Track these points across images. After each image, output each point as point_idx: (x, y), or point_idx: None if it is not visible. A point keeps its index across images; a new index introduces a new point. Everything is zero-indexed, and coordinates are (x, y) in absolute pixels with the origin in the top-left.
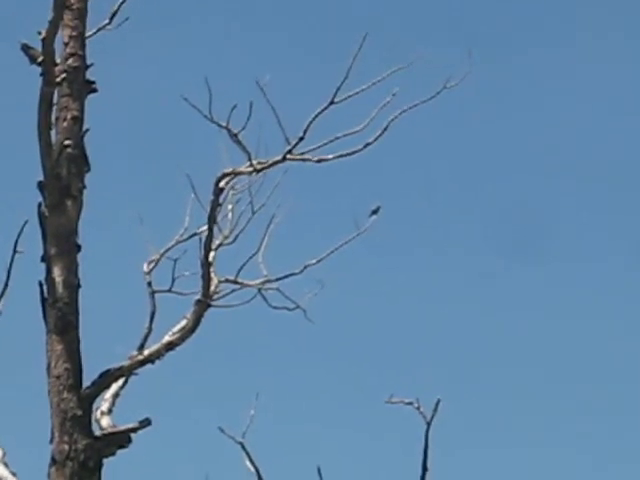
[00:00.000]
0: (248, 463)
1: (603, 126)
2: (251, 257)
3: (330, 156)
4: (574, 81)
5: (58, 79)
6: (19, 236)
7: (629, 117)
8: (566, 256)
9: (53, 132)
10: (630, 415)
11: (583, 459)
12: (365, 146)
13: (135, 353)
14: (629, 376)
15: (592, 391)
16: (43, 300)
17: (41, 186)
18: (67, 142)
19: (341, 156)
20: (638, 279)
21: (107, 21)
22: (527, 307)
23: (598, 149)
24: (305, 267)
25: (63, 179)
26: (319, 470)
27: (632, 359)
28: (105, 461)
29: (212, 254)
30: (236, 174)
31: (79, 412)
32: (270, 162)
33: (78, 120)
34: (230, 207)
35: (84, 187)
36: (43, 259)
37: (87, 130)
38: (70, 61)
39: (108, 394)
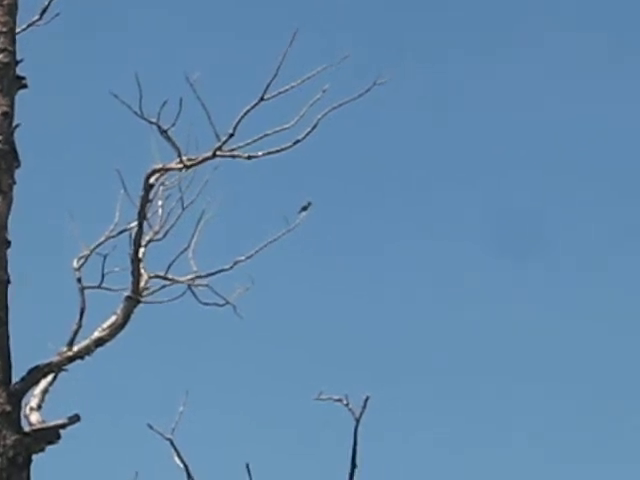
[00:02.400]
0: (177, 459)
1: (584, 122)
2: (181, 253)
3: (260, 153)
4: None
5: None
6: None
7: (626, 115)
8: (553, 255)
9: None
10: (630, 416)
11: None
12: (295, 143)
13: (64, 349)
14: (628, 375)
15: (587, 391)
16: None
17: None
18: None
19: (271, 153)
20: (638, 278)
21: (37, 17)
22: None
23: (585, 144)
24: (235, 263)
25: None
26: (248, 467)
27: (631, 358)
28: (34, 457)
29: (142, 250)
30: (166, 170)
31: (8, 408)
32: (200, 158)
33: (8, 116)
34: (160, 203)
35: (14, 183)
36: None
37: (17, 126)
38: (0, 57)
39: (37, 390)
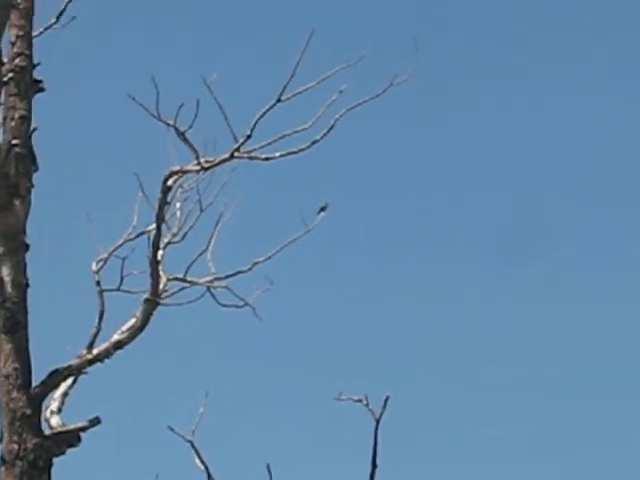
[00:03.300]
0: (198, 461)
1: (591, 120)
2: (200, 255)
3: (277, 154)
4: (540, 78)
5: (5, 78)
6: None
7: (626, 109)
8: (555, 254)
9: (0, 131)
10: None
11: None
12: (312, 144)
13: (84, 352)
14: (628, 373)
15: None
16: None
17: None
18: (15, 141)
19: (288, 154)
20: (638, 276)
21: (54, 20)
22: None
23: (589, 142)
24: (254, 265)
25: (11, 178)
26: (268, 468)
27: (631, 356)
28: (55, 460)
29: (160, 252)
30: (184, 172)
31: (28, 411)
32: (218, 160)
33: (26, 119)
34: (178, 205)
35: (32, 186)
36: None
37: (35, 129)
38: (17, 60)
39: (57, 393)
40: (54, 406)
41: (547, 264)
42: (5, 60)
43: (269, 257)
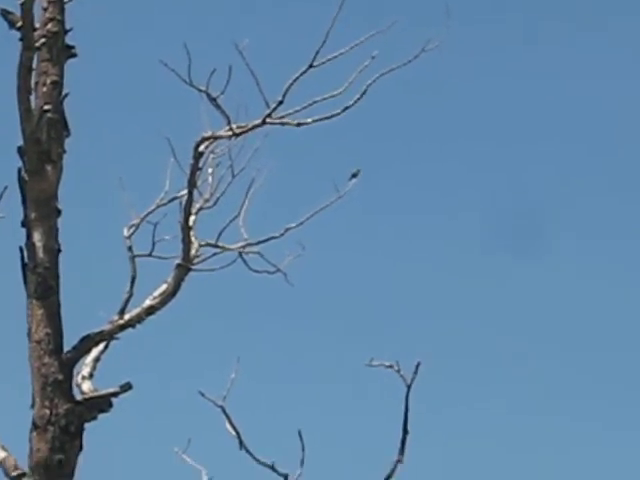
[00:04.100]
0: (229, 426)
1: (602, 110)
2: (231, 221)
3: (309, 120)
4: (571, 53)
5: (37, 44)
6: None
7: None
8: (565, 249)
9: (33, 97)
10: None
11: (569, 426)
12: (344, 109)
13: (116, 317)
14: (629, 373)
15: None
16: (23, 265)
17: (21, 151)
18: (47, 107)
19: (320, 119)
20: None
21: None
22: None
23: (599, 139)
24: (286, 230)
25: (43, 144)
26: (300, 433)
27: (632, 353)
28: (86, 425)
29: (192, 218)
30: (215, 138)
31: (60, 377)
32: (250, 126)
33: (58, 85)
34: (210, 171)
35: (64, 152)
36: (23, 224)
37: (67, 95)
38: (49, 26)
39: (89, 359)
40: (85, 371)
41: (547, 261)
42: (37, 25)
43: (301, 223)
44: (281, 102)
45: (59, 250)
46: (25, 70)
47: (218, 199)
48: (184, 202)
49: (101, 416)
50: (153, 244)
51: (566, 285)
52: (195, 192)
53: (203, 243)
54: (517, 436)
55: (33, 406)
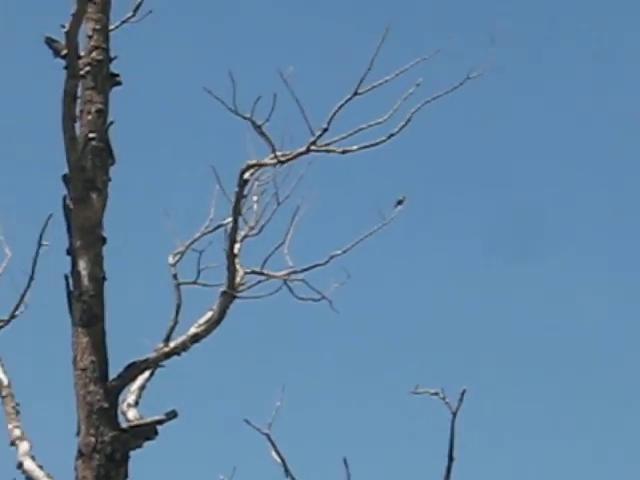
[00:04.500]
0: (274, 454)
1: (605, 124)
2: (277, 248)
3: (354, 147)
4: (598, 78)
5: (82, 72)
6: (44, 229)
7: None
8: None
9: (77, 125)
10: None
11: (612, 451)
12: (389, 137)
13: (161, 345)
14: (629, 371)
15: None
16: (69, 293)
17: (66, 179)
18: (92, 135)
19: (365, 147)
20: (637, 275)
21: (131, 14)
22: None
23: (599, 145)
24: (330, 258)
25: (88, 172)
26: (345, 461)
27: (631, 354)
28: (132, 453)
29: (237, 245)
30: (260, 166)
31: (105, 404)
32: (294, 153)
33: (102, 113)
34: (255, 198)
35: (109, 180)
36: (68, 252)
37: (111, 123)
38: (94, 54)
39: (134, 386)
40: (131, 399)
41: (548, 263)
42: (82, 54)
43: (346, 250)
44: (326, 129)
45: (104, 278)
46: (70, 98)
47: (263, 226)
48: (229, 230)
49: (146, 444)
50: (198, 272)
51: None
52: (240, 220)
53: (248, 270)
54: (563, 460)
55: (78, 434)
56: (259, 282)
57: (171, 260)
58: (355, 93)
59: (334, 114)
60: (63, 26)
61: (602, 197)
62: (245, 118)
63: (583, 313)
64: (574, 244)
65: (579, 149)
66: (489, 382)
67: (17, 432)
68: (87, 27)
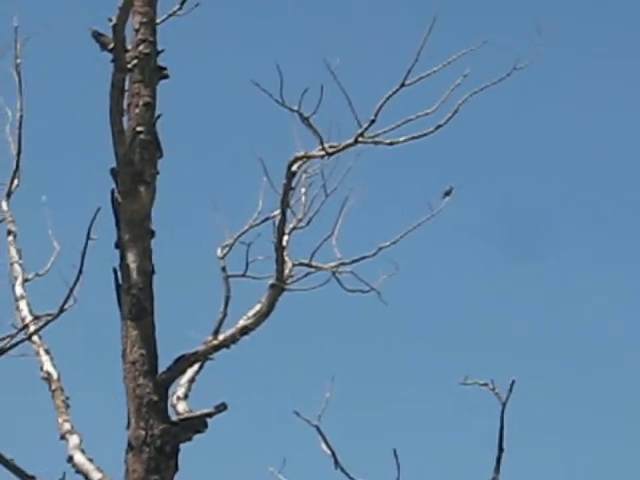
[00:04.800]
0: (324, 446)
1: (610, 123)
2: (325, 240)
3: (402, 138)
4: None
5: (129, 65)
6: (92, 223)
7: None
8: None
9: (125, 118)
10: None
11: None
12: (436, 128)
13: (210, 338)
14: (630, 371)
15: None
16: (117, 286)
17: (114, 173)
18: (139, 128)
19: (413, 138)
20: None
21: (178, 7)
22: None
23: (602, 145)
24: (379, 249)
25: (136, 165)
26: (395, 452)
27: (632, 355)
28: (182, 446)
29: (285, 238)
30: (308, 158)
31: (155, 398)
32: (342, 145)
33: (150, 106)
34: (303, 191)
35: (157, 173)
36: (117, 245)
37: (159, 116)
38: (141, 47)
39: (184, 379)
40: (180, 392)
41: (549, 263)
42: (129, 47)
43: (394, 242)
44: (373, 121)
45: (153, 271)
46: (117, 92)
47: (311, 219)
48: (277, 222)
49: (196, 436)
50: (247, 264)
51: None
52: (288, 212)
53: (297, 263)
54: (610, 454)
55: (128, 427)
56: (307, 274)
57: (220, 253)
58: (402, 84)
59: (381, 106)
60: (110, 20)
61: (602, 197)
62: (293, 110)
63: (583, 313)
64: (574, 244)
65: (579, 149)
66: (539, 374)
67: (67, 426)
68: (134, 20)
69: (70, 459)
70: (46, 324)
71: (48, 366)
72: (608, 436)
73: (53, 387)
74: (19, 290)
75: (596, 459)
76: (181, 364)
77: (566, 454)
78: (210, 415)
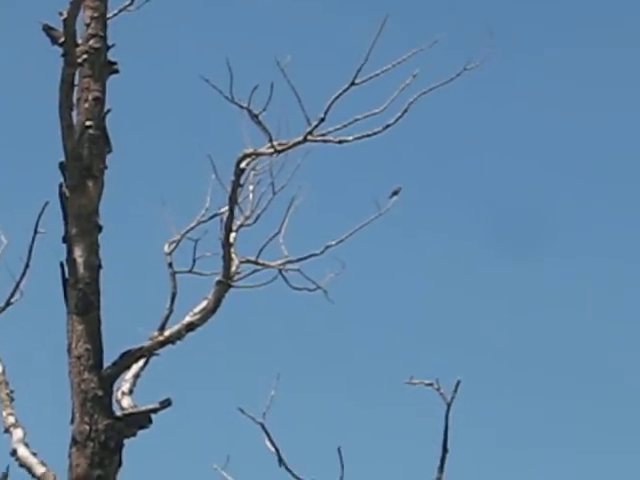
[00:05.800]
0: (268, 443)
1: (607, 119)
2: (272, 238)
3: (351, 137)
4: (592, 71)
5: (79, 60)
6: (40, 217)
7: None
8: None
9: (75, 113)
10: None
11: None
12: (385, 127)
13: (156, 334)
14: (629, 372)
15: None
16: (64, 281)
17: (62, 167)
18: (88, 123)
19: (362, 137)
20: (638, 275)
21: (128, 2)
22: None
23: (601, 143)
24: (326, 248)
25: (84, 160)
26: (339, 451)
27: (632, 355)
28: (126, 441)
29: (233, 235)
30: (257, 155)
31: (100, 392)
32: (291, 143)
33: (99, 101)
34: (251, 188)
35: (105, 168)
36: (64, 240)
37: (108, 111)
38: (91, 42)
39: (129, 375)
40: (125, 387)
41: (548, 263)
42: (80, 41)
43: (341, 240)
44: (322, 119)
45: (100, 266)
46: (67, 86)
47: (259, 216)
48: (225, 219)
49: (141, 432)
50: (194, 260)
51: None
52: (236, 209)
53: (243, 260)
54: (557, 449)
55: (73, 422)
56: (254, 271)
57: (167, 249)
58: (352, 83)
59: (331, 104)
60: (61, 14)
61: (602, 197)
62: (242, 107)
63: (582, 313)
64: (574, 244)
65: (579, 148)
66: (484, 375)
67: (11, 419)
68: (85, 15)
69: (14, 452)
70: None
71: None
72: (555, 438)
73: None
74: None
75: (542, 460)
76: (126, 359)
77: (512, 455)
78: (155, 411)
